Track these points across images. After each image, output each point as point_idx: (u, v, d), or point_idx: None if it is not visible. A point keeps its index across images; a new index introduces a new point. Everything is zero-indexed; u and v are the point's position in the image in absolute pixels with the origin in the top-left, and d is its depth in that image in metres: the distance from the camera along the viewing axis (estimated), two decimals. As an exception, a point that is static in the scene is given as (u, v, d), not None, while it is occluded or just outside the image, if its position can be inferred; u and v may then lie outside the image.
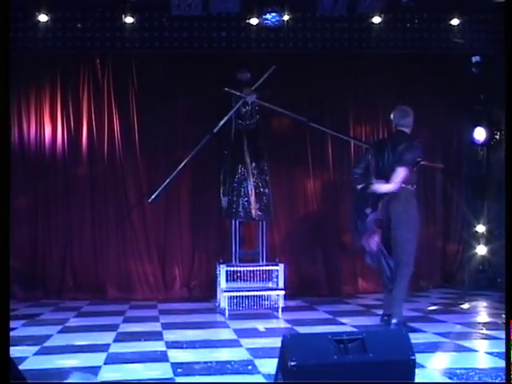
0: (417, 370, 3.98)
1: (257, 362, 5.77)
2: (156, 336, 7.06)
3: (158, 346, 6.51)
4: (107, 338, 6.95)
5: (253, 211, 8.60)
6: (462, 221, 10.55)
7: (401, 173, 7.06)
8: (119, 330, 7.41)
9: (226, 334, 7.29)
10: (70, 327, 7.70)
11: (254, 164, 8.70)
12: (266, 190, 8.72)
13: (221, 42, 9.35)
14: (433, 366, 5.67)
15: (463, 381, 5.03)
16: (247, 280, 8.44)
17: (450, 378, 5.21)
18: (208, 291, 9.35)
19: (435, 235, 10.50)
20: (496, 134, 10.41)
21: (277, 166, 9.46)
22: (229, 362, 5.78)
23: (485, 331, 7.22)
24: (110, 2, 8.95)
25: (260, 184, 8.69)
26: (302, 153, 10.05)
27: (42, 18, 8.82)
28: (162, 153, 9.90)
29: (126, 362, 5.85)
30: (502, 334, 6.87)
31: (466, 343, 6.55)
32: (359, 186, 7.34)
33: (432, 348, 6.30)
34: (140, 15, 9.06)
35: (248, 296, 8.37)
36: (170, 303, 9.32)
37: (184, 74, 9.74)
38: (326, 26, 9.41)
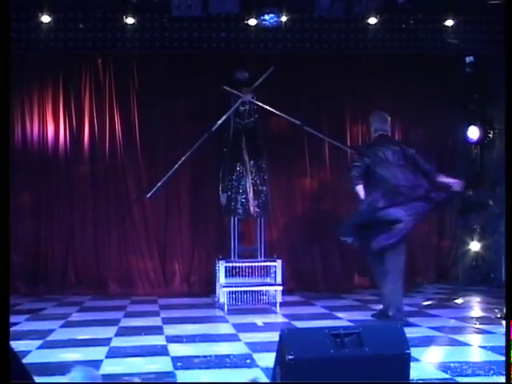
0: (412, 364, 3.99)
1: (255, 355, 5.78)
2: (156, 330, 7.08)
3: (158, 340, 6.53)
4: (109, 332, 6.97)
5: (251, 208, 8.60)
6: (456, 218, 10.56)
7: None
8: (120, 325, 7.43)
9: (225, 328, 7.31)
10: (72, 322, 7.71)
11: (252, 162, 8.70)
12: (264, 188, 8.71)
13: (220, 43, 9.34)
14: (427, 359, 5.69)
15: (466, 380, 5.04)
16: (246, 276, 8.44)
17: (444, 372, 5.22)
18: (207, 287, 9.36)
19: (430, 232, 10.51)
20: (489, 133, 10.42)
21: (275, 164, 9.46)
22: (228, 356, 5.79)
23: (478, 325, 7.24)
24: (111, 3, 8.94)
25: (258, 182, 8.69)
26: (299, 151, 10.05)
27: (45, 19, 8.80)
28: (162, 151, 9.90)
29: (127, 356, 5.87)
30: (495, 329, 6.91)
31: (460, 337, 6.57)
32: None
33: (427, 342, 6.32)
34: (141, 16, 9.05)
35: (246, 291, 8.37)
36: (170, 298, 9.32)
37: (184, 73, 9.74)
38: (324, 26, 9.40)
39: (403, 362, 3.91)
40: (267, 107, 8.77)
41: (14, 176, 9.45)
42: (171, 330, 7.10)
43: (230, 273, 8.40)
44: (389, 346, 3.92)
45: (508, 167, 4.69)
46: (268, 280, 8.48)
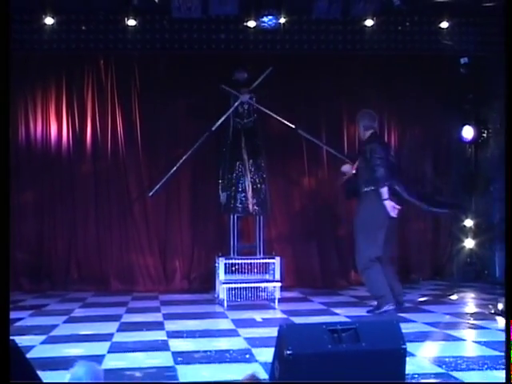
0: (407, 359, 3.99)
1: (254, 350, 5.78)
2: (157, 326, 7.08)
3: (159, 336, 6.52)
4: (111, 327, 6.97)
5: (250, 206, 8.60)
6: (450, 216, 10.56)
7: None
8: (122, 320, 7.43)
9: (224, 324, 7.31)
10: (75, 317, 7.71)
11: (251, 161, 8.69)
12: (263, 186, 8.71)
13: (219, 44, 9.34)
14: (423, 354, 5.70)
15: (460, 374, 5.05)
16: (245, 272, 8.43)
17: (439, 366, 5.23)
18: (207, 283, 9.35)
19: (426, 230, 10.53)
20: (483, 133, 10.44)
21: (273, 163, 9.46)
22: (227, 351, 5.79)
23: (472, 321, 7.24)
24: (112, 5, 8.93)
25: (257, 180, 8.69)
26: (297, 150, 10.05)
27: (48, 20, 8.80)
28: (163, 150, 9.90)
29: (129, 351, 5.87)
30: (488, 324, 6.93)
31: (455, 332, 6.57)
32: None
33: (422, 337, 6.32)
34: (142, 18, 9.05)
35: (246, 288, 8.37)
36: (170, 295, 9.33)
37: (184, 74, 9.74)
38: (321, 28, 9.40)
39: (399, 356, 3.92)
40: (264, 109, 8.77)
41: (18, 175, 9.49)
42: (172, 325, 7.10)
43: (229, 269, 8.40)
44: (385, 341, 3.92)
45: (508, 167, 4.68)
46: (267, 277, 8.48)
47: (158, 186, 8.76)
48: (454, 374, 5.01)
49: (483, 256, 10.27)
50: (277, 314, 7.96)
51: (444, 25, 9.43)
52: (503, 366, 5.01)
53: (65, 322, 7.42)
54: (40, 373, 3.90)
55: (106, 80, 9.88)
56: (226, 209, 8.77)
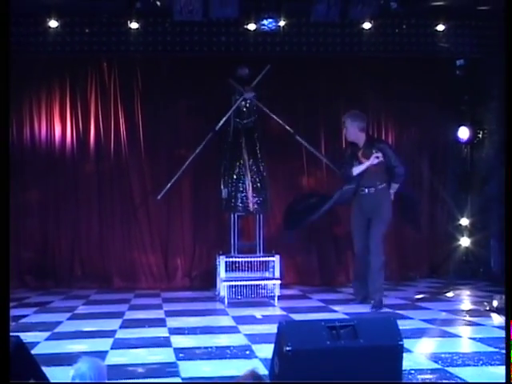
0: (404, 355, 4.00)
1: (254, 347, 5.79)
2: (159, 323, 7.08)
3: (161, 332, 6.53)
4: (113, 324, 6.97)
5: (250, 205, 8.60)
6: (447, 214, 10.57)
7: None
8: (125, 317, 7.43)
9: (225, 320, 7.31)
10: (78, 314, 7.71)
11: (251, 161, 8.69)
12: (263, 185, 8.71)
13: (220, 46, 9.34)
14: (419, 350, 5.70)
15: (457, 370, 5.05)
16: (245, 270, 8.43)
17: (436, 362, 5.24)
18: (208, 281, 9.34)
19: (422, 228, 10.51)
20: (479, 133, 10.43)
21: (273, 163, 9.45)
22: (228, 347, 5.80)
23: (468, 318, 7.25)
24: (115, 9, 8.93)
25: (257, 179, 8.68)
26: (296, 150, 10.03)
27: (52, 23, 8.80)
28: (165, 150, 9.91)
29: (132, 347, 5.88)
30: (484, 321, 6.94)
31: (451, 329, 6.58)
32: None
33: (419, 334, 6.32)
34: (144, 21, 9.05)
35: (246, 285, 8.37)
36: (172, 292, 9.32)
37: (185, 76, 9.73)
38: (320, 31, 9.40)
39: (396, 352, 3.93)
40: (266, 110, 8.77)
41: (23, 175, 9.51)
42: (173, 322, 7.10)
43: (230, 267, 8.39)
44: (382, 338, 3.93)
45: (508, 167, 4.68)
46: (266, 274, 8.48)
47: (166, 189, 8.78)
48: (450, 369, 5.02)
49: (479, 254, 10.26)
50: (276, 311, 7.96)
51: (440, 27, 9.43)
52: (498, 362, 5.04)
53: (69, 318, 7.42)
54: (44, 368, 3.91)
55: (109, 82, 9.88)
56: (227, 208, 8.77)
